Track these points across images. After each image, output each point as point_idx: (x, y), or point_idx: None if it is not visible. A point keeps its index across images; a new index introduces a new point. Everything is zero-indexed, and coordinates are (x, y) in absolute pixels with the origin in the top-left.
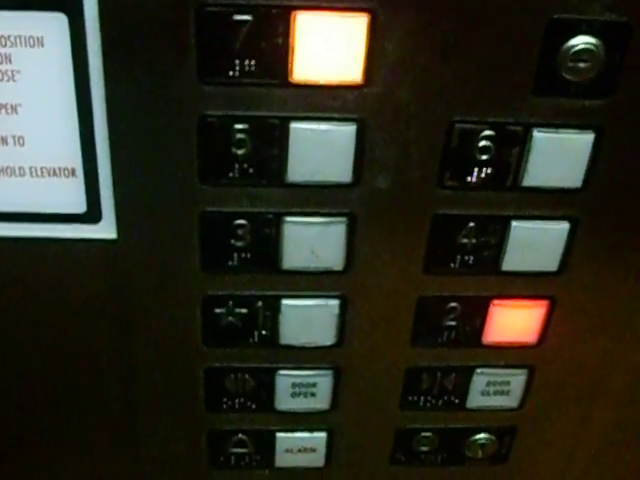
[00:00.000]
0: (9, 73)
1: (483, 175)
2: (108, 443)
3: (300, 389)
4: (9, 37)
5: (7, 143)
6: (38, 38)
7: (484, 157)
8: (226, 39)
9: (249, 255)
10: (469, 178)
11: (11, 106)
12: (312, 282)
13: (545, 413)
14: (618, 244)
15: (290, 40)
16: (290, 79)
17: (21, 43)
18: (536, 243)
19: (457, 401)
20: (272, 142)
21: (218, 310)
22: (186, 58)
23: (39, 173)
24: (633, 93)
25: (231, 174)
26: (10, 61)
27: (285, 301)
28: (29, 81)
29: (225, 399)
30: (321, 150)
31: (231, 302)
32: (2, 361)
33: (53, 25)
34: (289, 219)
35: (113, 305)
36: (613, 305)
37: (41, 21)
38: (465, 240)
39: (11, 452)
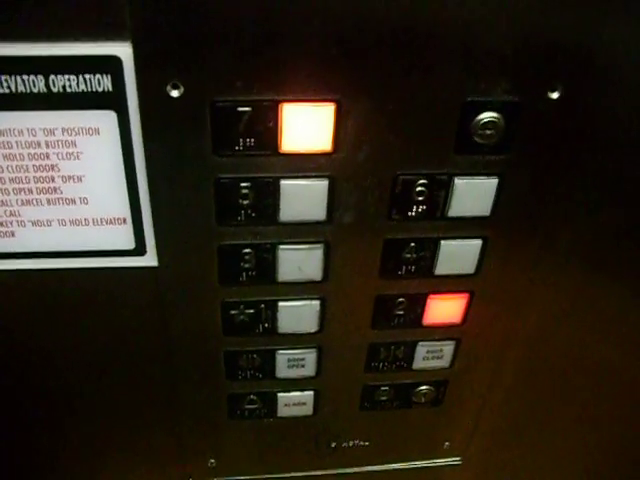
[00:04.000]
0: (75, 154)
1: (420, 210)
2: (152, 407)
3: (293, 362)
4: (74, 128)
5: (75, 203)
6: (95, 129)
7: (420, 198)
8: (232, 124)
9: (254, 273)
10: (410, 213)
11: (77, 177)
12: (300, 289)
13: (467, 369)
14: (516, 254)
15: (279, 123)
16: (280, 150)
17: (83, 132)
18: (458, 255)
19: (405, 365)
20: (268, 194)
21: (233, 312)
22: (204, 138)
23: (99, 222)
24: (524, 150)
25: (239, 218)
26: (75, 145)
27: (281, 303)
28: (90, 159)
29: (240, 371)
30: (303, 198)
31: (242, 306)
32: (79, 349)
33: (106, 119)
34: (282, 247)
35: (156, 311)
36: (513, 296)
37: (97, 117)
38: (408, 255)
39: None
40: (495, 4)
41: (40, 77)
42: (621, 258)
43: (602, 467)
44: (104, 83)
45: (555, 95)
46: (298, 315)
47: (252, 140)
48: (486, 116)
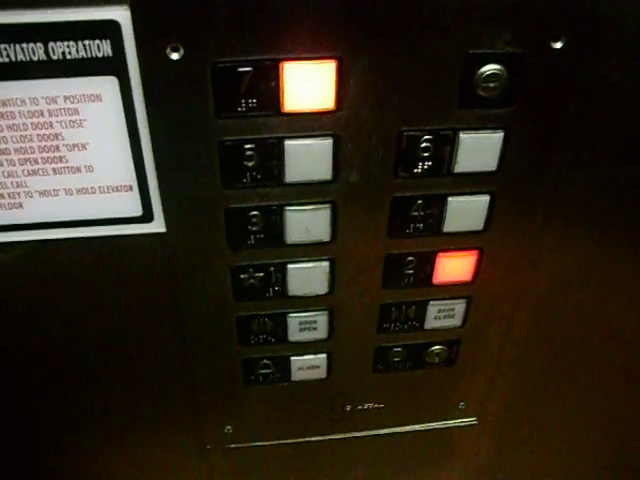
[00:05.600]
0: (78, 121)
1: (425, 167)
2: (167, 376)
3: (305, 325)
4: (76, 96)
5: (81, 171)
6: (97, 95)
7: (425, 154)
8: (234, 85)
9: (262, 235)
10: (415, 170)
11: (81, 144)
12: (308, 251)
13: (480, 327)
14: (524, 209)
15: (280, 82)
16: (282, 110)
17: (85, 99)
18: (466, 211)
19: (417, 325)
20: (272, 155)
21: (242, 276)
22: (206, 100)
23: (106, 190)
24: (528, 102)
25: (245, 180)
26: (78, 113)
27: (290, 265)
28: (93, 126)
29: (252, 336)
30: (308, 158)
31: (251, 269)
32: (91, 319)
33: (108, 85)
34: (289, 208)
35: (166, 278)
36: (523, 252)
37: (99, 83)
38: (416, 213)
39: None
40: None
41: (39, 44)
42: (631, 213)
43: (617, 424)
44: (104, 48)
45: (558, 45)
46: (308, 277)
47: (254, 101)
48: (489, 68)
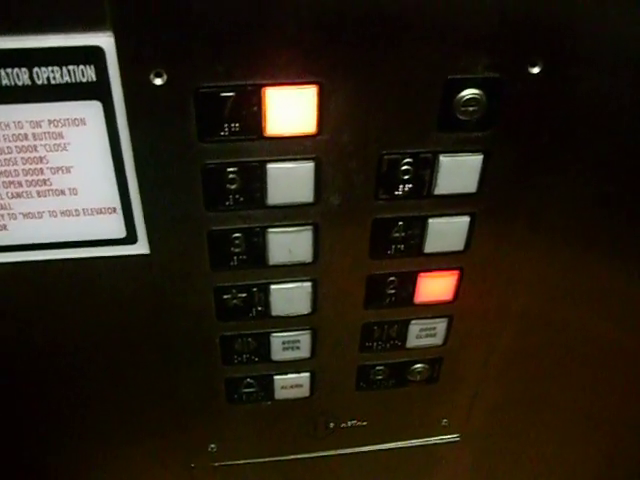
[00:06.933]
0: (62, 145)
1: (406, 189)
2: (151, 395)
3: (288, 345)
4: (60, 120)
5: (65, 194)
6: (81, 119)
7: (406, 177)
8: (216, 110)
9: (245, 257)
10: (396, 192)
11: (65, 168)
12: (291, 271)
13: (461, 346)
14: (504, 230)
15: (262, 107)
16: (264, 134)
17: (69, 123)
18: (447, 232)
19: (399, 344)
20: (255, 178)
21: (225, 296)
22: (189, 125)
23: (90, 213)
24: (507, 125)
25: (227, 202)
26: (62, 136)
27: (273, 286)
28: (77, 150)
29: (235, 356)
30: (290, 181)
31: (234, 290)
32: (77, 339)
33: (91, 109)
34: (271, 230)
35: (150, 299)
36: (503, 272)
37: (83, 107)
38: (397, 234)
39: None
40: None
41: (24, 69)
42: (610, 231)
43: (601, 439)
44: (88, 74)
45: (536, 70)
46: (290, 297)
47: (237, 125)
48: (468, 93)
